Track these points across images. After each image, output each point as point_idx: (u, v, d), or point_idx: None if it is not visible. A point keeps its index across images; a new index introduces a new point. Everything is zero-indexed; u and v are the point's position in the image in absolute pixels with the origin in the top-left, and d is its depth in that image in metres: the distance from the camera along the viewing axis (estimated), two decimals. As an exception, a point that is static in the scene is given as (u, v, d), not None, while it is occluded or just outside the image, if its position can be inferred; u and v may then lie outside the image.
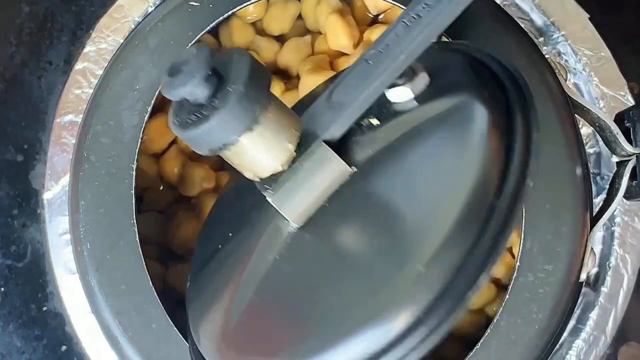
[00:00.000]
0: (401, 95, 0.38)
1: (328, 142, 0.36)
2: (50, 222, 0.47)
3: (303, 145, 0.35)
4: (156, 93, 0.42)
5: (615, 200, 0.42)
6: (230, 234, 0.40)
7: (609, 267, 0.46)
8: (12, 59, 0.50)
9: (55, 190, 0.47)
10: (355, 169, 0.37)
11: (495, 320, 0.41)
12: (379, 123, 0.38)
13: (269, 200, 0.35)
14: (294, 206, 0.36)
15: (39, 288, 0.47)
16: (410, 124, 0.38)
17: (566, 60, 0.47)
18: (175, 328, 0.41)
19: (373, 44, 0.36)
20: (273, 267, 0.37)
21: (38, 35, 0.50)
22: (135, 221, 0.41)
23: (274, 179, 0.35)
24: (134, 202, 0.41)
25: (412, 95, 0.38)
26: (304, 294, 0.36)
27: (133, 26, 0.47)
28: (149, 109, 0.42)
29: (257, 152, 0.33)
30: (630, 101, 0.47)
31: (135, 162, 0.42)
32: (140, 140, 0.42)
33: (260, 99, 0.32)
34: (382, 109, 0.38)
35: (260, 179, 0.35)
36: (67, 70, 0.48)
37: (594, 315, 0.46)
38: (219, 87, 0.31)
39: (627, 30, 0.50)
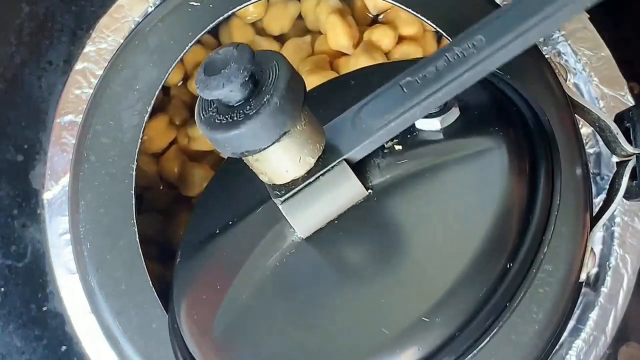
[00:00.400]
0: (429, 125, 0.38)
1: (348, 161, 0.36)
2: (50, 222, 0.47)
3: (323, 159, 0.35)
4: (156, 93, 0.42)
5: (615, 201, 0.42)
6: (230, 222, 0.40)
7: (609, 267, 0.46)
8: (12, 59, 0.50)
9: (55, 190, 0.47)
10: (370, 192, 0.37)
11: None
12: (401, 149, 0.38)
13: (279, 206, 0.35)
14: (303, 217, 0.36)
15: (39, 288, 0.47)
16: (433, 156, 0.38)
17: (566, 60, 0.47)
18: (175, 328, 0.41)
19: (410, 71, 0.35)
20: (273, 273, 0.37)
21: (38, 35, 0.50)
22: (135, 221, 0.41)
23: (287, 187, 0.35)
24: (134, 202, 0.42)
25: (439, 127, 0.38)
26: (302, 307, 0.36)
27: (133, 26, 0.47)
28: (149, 109, 0.42)
29: (279, 162, 0.34)
30: (630, 101, 0.47)
31: (135, 162, 0.42)
32: (140, 140, 0.42)
33: (294, 112, 0.32)
34: (407, 134, 0.38)
35: (274, 184, 0.35)
36: (67, 70, 0.48)
37: (594, 315, 0.46)
38: (255, 93, 0.31)
39: (627, 30, 0.50)
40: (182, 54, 0.42)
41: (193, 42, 0.43)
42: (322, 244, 0.37)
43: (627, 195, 0.42)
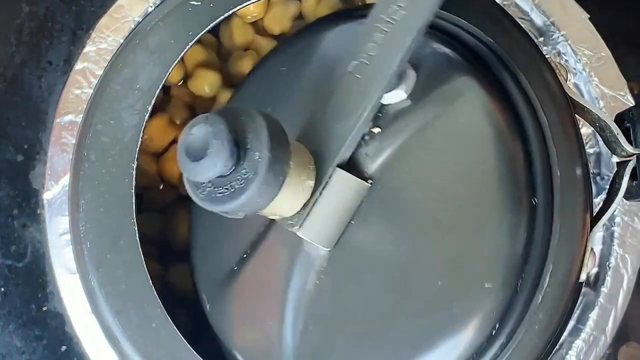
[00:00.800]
0: (395, 97, 0.38)
1: (340, 165, 0.36)
2: (50, 222, 0.47)
3: (319, 175, 0.36)
4: (156, 92, 0.42)
5: (615, 201, 0.42)
6: (244, 255, 0.41)
7: (609, 267, 0.46)
8: (12, 59, 0.50)
9: (55, 190, 0.47)
10: (371, 182, 0.38)
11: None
12: (380, 130, 0.38)
13: (299, 234, 0.36)
14: (322, 234, 0.37)
15: (39, 288, 0.47)
16: (413, 124, 0.38)
17: (566, 60, 0.47)
18: (175, 328, 0.41)
19: (353, 54, 0.36)
20: (316, 292, 0.39)
21: (38, 35, 0.50)
22: (135, 221, 0.41)
23: (298, 215, 0.36)
24: (134, 201, 0.41)
25: (406, 95, 0.38)
26: (358, 316, 0.38)
27: (133, 26, 0.47)
28: (149, 108, 0.42)
29: (286, 201, 0.34)
30: (630, 101, 0.47)
31: (135, 161, 0.42)
32: (140, 139, 0.42)
33: (285, 156, 0.32)
34: (378, 114, 0.38)
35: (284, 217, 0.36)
36: (67, 70, 0.48)
37: (594, 315, 0.46)
38: (243, 155, 0.31)
39: (627, 30, 0.50)
40: (182, 54, 0.42)
41: (194, 41, 0.43)
42: (349, 247, 0.38)
43: (628, 196, 0.42)
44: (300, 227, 0.36)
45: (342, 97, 0.36)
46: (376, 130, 0.38)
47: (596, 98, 0.47)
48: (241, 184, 0.31)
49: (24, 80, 0.50)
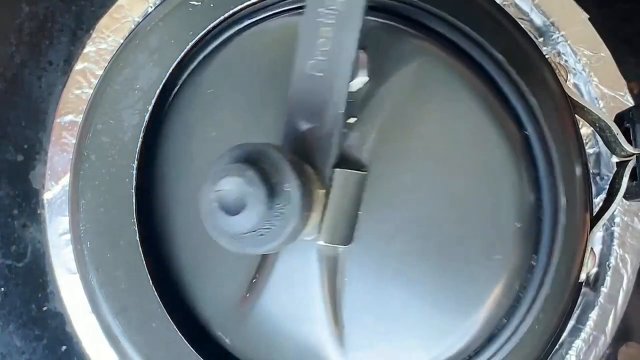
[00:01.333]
0: (358, 83, 0.38)
1: (334, 165, 0.37)
2: (50, 222, 0.47)
3: (320, 180, 0.36)
4: (157, 92, 0.42)
5: (615, 201, 0.42)
6: (254, 280, 0.42)
7: (609, 267, 0.46)
8: (12, 59, 0.50)
9: (55, 190, 0.47)
10: (366, 171, 0.38)
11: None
12: (355, 119, 0.39)
13: (320, 242, 0.37)
14: (340, 234, 0.38)
15: (39, 288, 0.47)
16: (384, 103, 0.40)
17: (566, 61, 0.47)
18: (175, 327, 0.41)
19: (300, 54, 0.36)
20: (349, 289, 0.40)
21: (38, 35, 0.50)
22: (135, 220, 0.41)
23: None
24: (134, 201, 0.41)
25: (367, 78, 0.38)
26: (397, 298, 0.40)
27: (133, 26, 0.47)
28: (150, 108, 0.42)
29: (314, 218, 0.36)
30: (630, 101, 0.47)
31: (135, 161, 0.42)
32: (140, 139, 0.42)
33: (307, 178, 0.33)
34: (347, 104, 0.38)
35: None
36: (67, 70, 0.48)
37: (593, 315, 0.46)
38: (273, 191, 0.31)
39: (627, 30, 0.50)
40: (182, 54, 0.42)
41: (194, 41, 0.43)
42: (365, 237, 0.40)
43: (627, 196, 0.42)
44: (320, 235, 0.37)
45: (311, 99, 0.36)
46: (352, 120, 0.39)
47: (596, 98, 0.47)
48: (281, 219, 0.31)
49: (24, 80, 0.50)
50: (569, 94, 0.43)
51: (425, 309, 0.40)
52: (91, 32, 0.48)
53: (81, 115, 0.46)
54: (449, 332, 0.40)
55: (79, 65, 0.48)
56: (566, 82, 0.46)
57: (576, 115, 0.43)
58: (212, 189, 0.31)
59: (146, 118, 0.42)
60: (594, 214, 0.43)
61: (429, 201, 0.40)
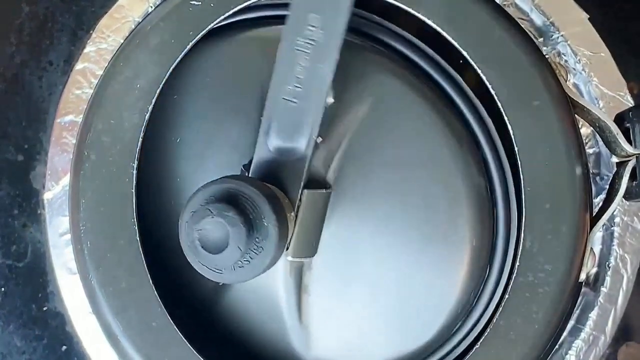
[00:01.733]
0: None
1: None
2: (50, 222, 0.47)
3: (290, 202, 0.38)
4: (157, 92, 0.42)
5: (615, 201, 0.42)
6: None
7: (609, 267, 0.46)
8: (12, 59, 0.50)
9: (55, 190, 0.47)
10: (330, 188, 0.39)
11: (495, 320, 0.41)
12: (321, 138, 0.40)
13: (288, 259, 0.40)
14: (306, 248, 0.41)
15: (39, 288, 0.47)
16: (349, 124, 0.42)
17: (566, 61, 0.47)
18: (175, 327, 0.41)
19: (276, 79, 0.38)
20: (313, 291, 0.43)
21: (38, 35, 0.50)
22: (135, 220, 0.41)
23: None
24: (134, 200, 0.41)
25: (332, 100, 0.40)
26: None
27: (133, 26, 0.47)
28: (150, 108, 0.42)
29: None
30: (630, 101, 0.47)
31: (135, 161, 0.42)
32: (140, 139, 0.42)
33: (282, 209, 0.35)
34: None
35: None
36: (67, 70, 0.48)
37: (593, 315, 0.46)
38: (253, 228, 0.33)
39: (627, 30, 0.50)
40: (182, 53, 0.42)
41: (194, 41, 0.43)
42: (330, 245, 0.42)
43: (627, 196, 0.42)
44: (287, 251, 0.39)
45: (285, 124, 0.38)
46: (319, 139, 0.40)
47: (596, 98, 0.47)
48: (258, 251, 0.33)
49: (24, 80, 0.50)
50: (569, 94, 0.43)
51: (390, 306, 0.42)
52: (91, 32, 0.48)
53: (81, 115, 0.46)
54: (415, 328, 0.43)
55: (79, 65, 0.48)
56: (566, 82, 0.46)
57: (576, 115, 0.43)
58: (193, 228, 0.32)
59: (146, 118, 0.42)
60: (594, 214, 0.43)
61: (390, 211, 0.42)
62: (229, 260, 0.32)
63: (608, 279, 0.46)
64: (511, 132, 0.41)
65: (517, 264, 0.41)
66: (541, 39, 0.47)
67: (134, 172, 0.42)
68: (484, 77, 0.41)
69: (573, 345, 0.46)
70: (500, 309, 0.41)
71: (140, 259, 0.41)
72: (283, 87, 0.37)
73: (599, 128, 0.43)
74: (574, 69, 0.47)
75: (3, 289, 0.48)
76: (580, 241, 0.41)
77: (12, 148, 0.49)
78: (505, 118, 0.41)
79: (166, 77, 0.42)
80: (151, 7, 0.47)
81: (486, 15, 0.42)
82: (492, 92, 0.41)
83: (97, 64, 0.47)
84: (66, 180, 0.46)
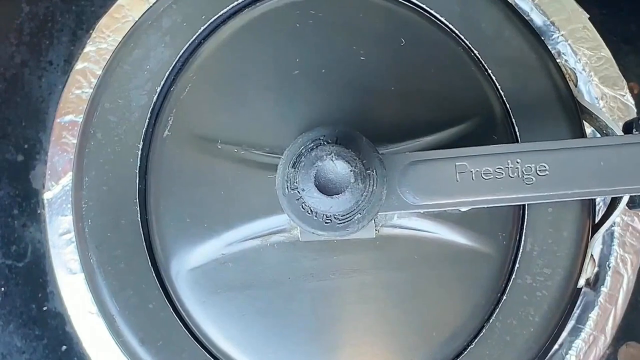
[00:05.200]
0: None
1: None
2: (50, 222, 0.47)
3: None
4: (166, 74, 0.42)
5: (617, 209, 0.41)
6: None
7: (609, 267, 0.46)
8: (12, 59, 0.50)
9: (55, 190, 0.47)
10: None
11: (491, 321, 0.41)
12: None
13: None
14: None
15: (39, 288, 0.47)
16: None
17: (566, 60, 0.47)
18: (172, 310, 0.41)
19: (470, 157, 0.36)
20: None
21: (38, 35, 0.50)
22: (137, 201, 0.41)
23: None
24: (137, 181, 0.41)
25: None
26: None
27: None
28: (158, 89, 0.42)
29: None
30: (630, 101, 0.47)
31: (141, 141, 0.42)
32: (147, 120, 0.42)
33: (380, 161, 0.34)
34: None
35: None
36: (67, 70, 0.48)
37: (593, 315, 0.46)
38: (365, 174, 0.32)
39: (627, 30, 0.49)
40: (194, 37, 0.42)
41: (206, 25, 0.43)
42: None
43: (631, 205, 0.41)
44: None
45: (430, 175, 0.37)
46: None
47: (596, 98, 0.47)
48: (369, 201, 0.32)
49: (24, 80, 0.50)
50: (578, 99, 0.42)
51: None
52: (91, 32, 0.48)
53: (81, 115, 0.47)
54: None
55: (79, 65, 0.48)
56: (575, 86, 0.46)
57: (583, 121, 0.43)
58: (309, 168, 0.32)
59: (154, 99, 0.42)
60: (597, 221, 0.43)
61: None
62: (343, 205, 0.31)
63: (608, 279, 0.46)
64: (518, 134, 0.41)
65: (517, 266, 0.41)
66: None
67: (139, 152, 0.42)
68: (493, 77, 0.41)
69: (573, 345, 0.46)
70: (497, 310, 0.41)
71: (140, 241, 0.41)
72: (464, 162, 0.37)
73: (606, 135, 0.43)
74: (574, 68, 0.47)
75: (3, 289, 0.48)
76: (581, 247, 0.41)
77: (12, 148, 0.49)
78: (513, 120, 0.41)
79: (176, 60, 0.42)
80: (151, 7, 0.47)
81: (497, 15, 0.42)
82: (502, 92, 0.41)
83: (97, 64, 0.47)
84: (66, 180, 0.46)
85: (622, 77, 0.47)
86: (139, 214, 0.41)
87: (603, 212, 0.44)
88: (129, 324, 0.41)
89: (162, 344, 0.41)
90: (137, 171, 0.41)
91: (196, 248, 0.41)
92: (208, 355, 0.41)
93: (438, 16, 0.43)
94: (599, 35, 0.47)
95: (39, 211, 0.48)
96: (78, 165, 0.42)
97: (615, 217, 0.41)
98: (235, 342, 0.42)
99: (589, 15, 0.47)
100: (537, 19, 0.47)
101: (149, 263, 0.41)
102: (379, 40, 0.43)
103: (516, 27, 0.42)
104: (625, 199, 0.40)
